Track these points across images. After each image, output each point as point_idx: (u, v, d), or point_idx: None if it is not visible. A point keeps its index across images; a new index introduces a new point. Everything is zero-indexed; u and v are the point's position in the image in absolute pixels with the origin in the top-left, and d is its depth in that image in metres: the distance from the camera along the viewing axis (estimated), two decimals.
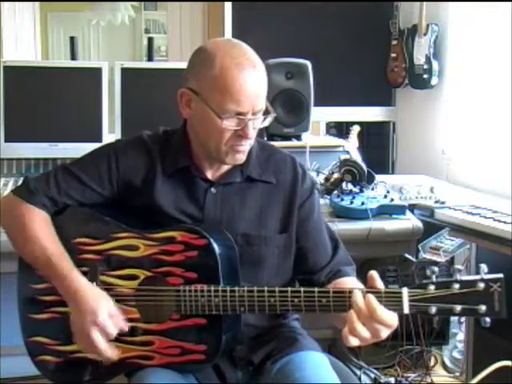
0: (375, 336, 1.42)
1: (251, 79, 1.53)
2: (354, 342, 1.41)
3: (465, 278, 1.41)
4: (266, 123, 1.63)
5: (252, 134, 1.58)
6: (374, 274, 1.46)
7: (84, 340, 1.55)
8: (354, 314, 1.41)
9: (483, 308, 1.39)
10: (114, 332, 1.55)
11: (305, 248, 1.71)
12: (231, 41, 1.62)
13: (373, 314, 1.40)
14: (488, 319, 1.39)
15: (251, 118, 1.56)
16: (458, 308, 1.40)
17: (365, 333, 1.41)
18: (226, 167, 1.68)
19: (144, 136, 1.72)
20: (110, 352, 1.56)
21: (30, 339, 1.69)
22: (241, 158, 1.63)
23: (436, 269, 1.43)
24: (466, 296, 1.39)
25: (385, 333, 1.43)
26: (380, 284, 1.45)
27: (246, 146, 1.61)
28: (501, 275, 1.40)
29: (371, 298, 1.41)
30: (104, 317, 1.53)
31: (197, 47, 1.63)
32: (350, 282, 1.64)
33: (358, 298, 1.42)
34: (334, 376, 1.61)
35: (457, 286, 1.40)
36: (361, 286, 1.56)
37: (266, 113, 1.61)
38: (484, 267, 1.40)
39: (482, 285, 1.39)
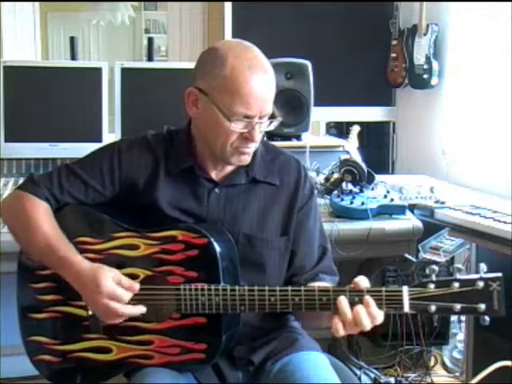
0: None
1: (262, 83, 1.54)
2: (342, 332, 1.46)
3: (464, 276, 1.42)
4: (272, 127, 1.63)
5: (258, 137, 1.59)
6: (356, 281, 1.48)
7: (103, 313, 1.54)
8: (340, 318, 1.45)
9: (482, 306, 1.40)
10: (123, 294, 1.53)
11: (294, 252, 1.72)
12: (243, 43, 1.62)
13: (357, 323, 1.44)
14: (487, 318, 1.40)
15: (258, 121, 1.56)
16: (458, 306, 1.41)
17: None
18: (230, 168, 1.68)
19: (148, 136, 1.72)
20: (133, 310, 1.54)
21: (28, 338, 1.69)
22: (246, 159, 1.63)
23: (436, 268, 1.44)
24: (465, 295, 1.41)
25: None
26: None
27: (252, 148, 1.62)
28: (500, 274, 1.41)
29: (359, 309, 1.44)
30: (108, 284, 1.51)
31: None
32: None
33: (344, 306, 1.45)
34: (334, 376, 1.61)
35: (456, 284, 1.41)
36: None
37: (272, 117, 1.61)
38: (483, 266, 1.41)
39: (481, 283, 1.40)
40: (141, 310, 1.55)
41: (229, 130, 1.55)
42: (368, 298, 1.44)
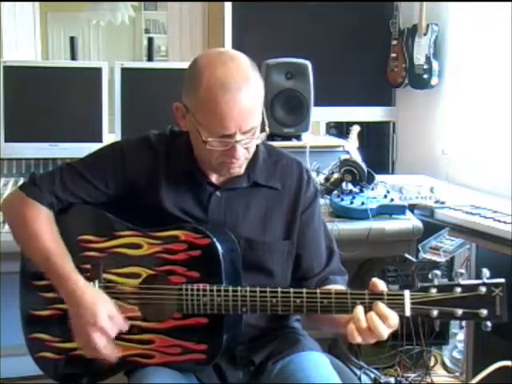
0: (377, 338, 1.46)
1: (237, 101, 1.47)
2: (359, 339, 1.45)
3: (467, 282, 1.41)
4: (259, 141, 1.59)
5: (240, 154, 1.54)
6: (375, 281, 1.47)
7: (83, 340, 1.55)
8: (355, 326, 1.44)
9: (484, 312, 1.39)
10: (113, 333, 1.54)
11: (300, 255, 1.71)
12: (223, 55, 1.54)
13: (373, 331, 1.43)
14: (489, 323, 1.39)
15: (239, 139, 1.51)
16: (460, 312, 1.40)
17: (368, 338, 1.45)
18: None
19: (150, 135, 1.71)
20: (110, 352, 1.55)
21: (30, 335, 1.69)
22: (236, 171, 1.60)
23: (438, 272, 1.43)
24: (467, 300, 1.40)
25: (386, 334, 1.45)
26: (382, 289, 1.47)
27: (239, 162, 1.57)
28: (503, 280, 1.40)
29: (373, 316, 1.43)
30: (104, 319, 1.53)
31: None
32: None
33: (360, 315, 1.44)
34: (334, 376, 1.61)
35: (458, 289, 1.40)
36: None
37: (262, 122, 1.57)
38: (486, 271, 1.40)
39: (483, 289, 1.39)
40: (116, 356, 1.56)
41: (207, 148, 1.53)
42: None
